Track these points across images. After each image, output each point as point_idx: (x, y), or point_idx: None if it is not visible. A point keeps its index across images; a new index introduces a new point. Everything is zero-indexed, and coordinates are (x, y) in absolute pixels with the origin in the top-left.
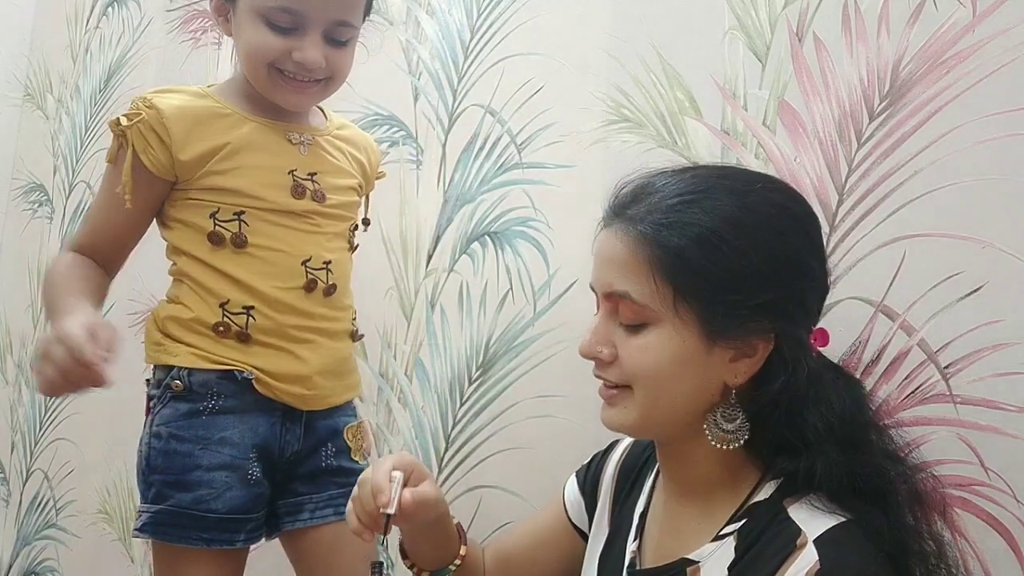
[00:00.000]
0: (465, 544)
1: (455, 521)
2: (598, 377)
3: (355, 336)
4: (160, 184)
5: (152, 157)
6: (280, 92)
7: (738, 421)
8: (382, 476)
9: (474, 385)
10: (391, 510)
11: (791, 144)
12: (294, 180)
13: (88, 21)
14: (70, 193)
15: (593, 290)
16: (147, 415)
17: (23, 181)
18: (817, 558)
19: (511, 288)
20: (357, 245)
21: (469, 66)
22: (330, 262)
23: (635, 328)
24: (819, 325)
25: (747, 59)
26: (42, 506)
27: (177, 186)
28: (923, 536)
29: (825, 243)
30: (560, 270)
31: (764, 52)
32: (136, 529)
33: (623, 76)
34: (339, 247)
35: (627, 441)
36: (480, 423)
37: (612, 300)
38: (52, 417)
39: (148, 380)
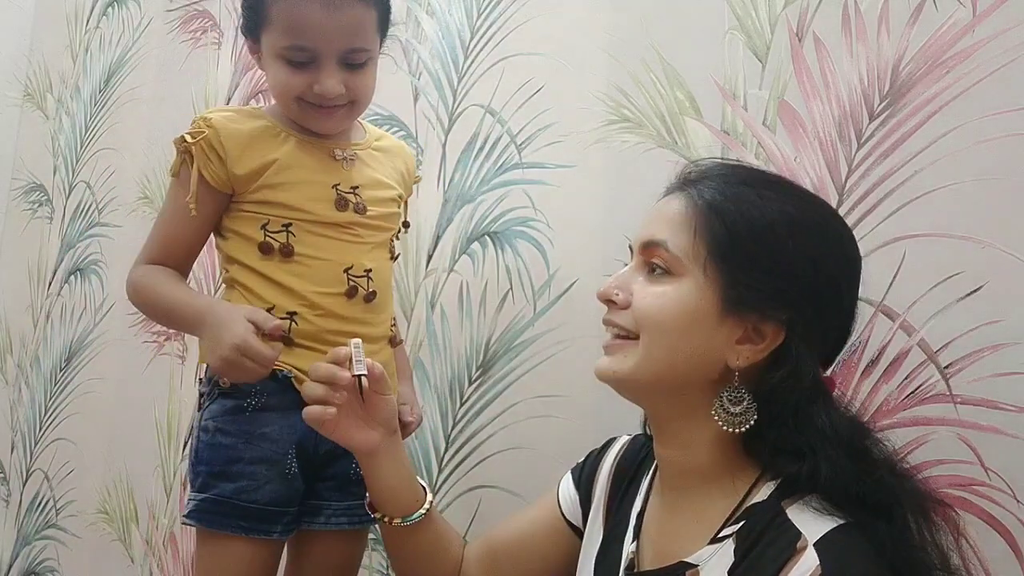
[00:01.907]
0: (431, 495)
1: (421, 483)
2: (607, 323)
3: (393, 341)
4: (219, 196)
5: (212, 171)
6: (311, 120)
7: (745, 403)
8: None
9: (474, 385)
10: (361, 371)
11: (791, 144)
12: (337, 194)
13: (88, 21)
14: (70, 193)
15: (631, 249)
16: (198, 410)
17: (23, 181)
18: (818, 562)
19: (511, 288)
20: (398, 255)
21: (469, 66)
22: (371, 270)
23: (658, 277)
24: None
25: (747, 59)
26: (42, 506)
27: (233, 199)
28: (927, 549)
29: None
30: (560, 270)
31: (764, 52)
32: (184, 515)
33: (623, 76)
34: (380, 257)
35: (623, 440)
36: (480, 423)
37: (647, 250)
38: (52, 417)
39: (200, 379)
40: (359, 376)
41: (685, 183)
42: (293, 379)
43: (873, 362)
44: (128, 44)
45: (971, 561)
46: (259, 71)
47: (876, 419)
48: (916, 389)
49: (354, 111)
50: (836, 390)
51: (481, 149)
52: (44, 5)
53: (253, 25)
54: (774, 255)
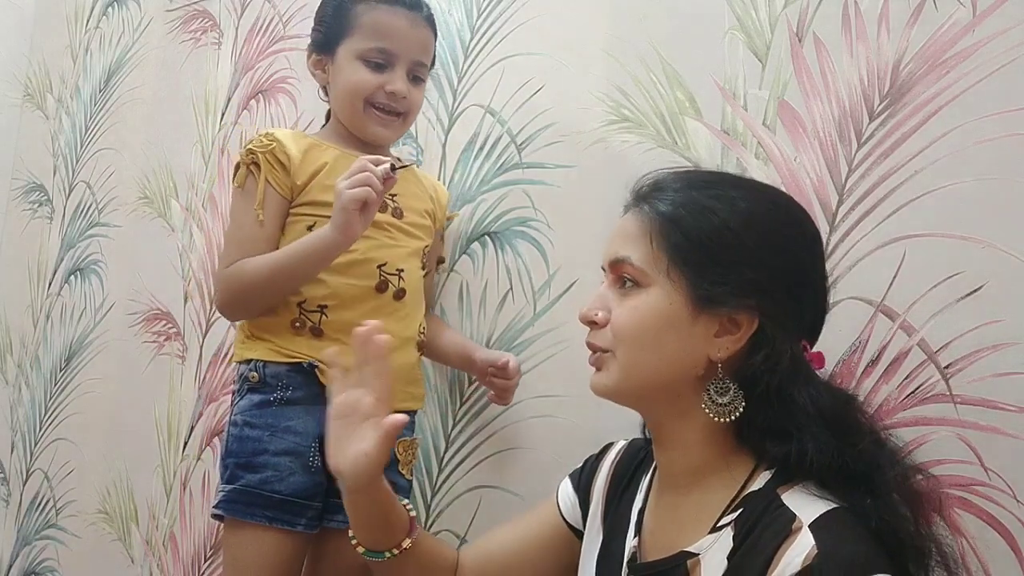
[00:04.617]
0: (411, 538)
1: (410, 512)
2: (587, 345)
3: (422, 348)
4: (283, 202)
5: (277, 178)
6: (369, 124)
7: (731, 393)
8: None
9: (474, 385)
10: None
11: (791, 144)
12: None
13: (88, 21)
14: (70, 193)
15: (604, 270)
16: (231, 407)
17: (23, 181)
18: (813, 542)
19: (511, 288)
20: (428, 272)
21: (469, 66)
22: (403, 270)
23: (629, 291)
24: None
25: (747, 59)
26: (42, 506)
27: (290, 205)
28: (914, 522)
29: (825, 243)
30: (560, 270)
31: (764, 52)
32: (213, 507)
33: (623, 76)
34: (413, 264)
35: (620, 443)
36: (480, 423)
37: (616, 268)
38: (52, 417)
39: (235, 378)
40: (391, 164)
41: (638, 199)
42: (318, 372)
43: (873, 362)
44: (128, 44)
45: (971, 561)
46: (258, 71)
47: (876, 419)
48: (916, 389)
49: (404, 124)
50: (822, 367)
51: (481, 149)
52: (44, 5)
53: (334, 35)
54: (731, 249)
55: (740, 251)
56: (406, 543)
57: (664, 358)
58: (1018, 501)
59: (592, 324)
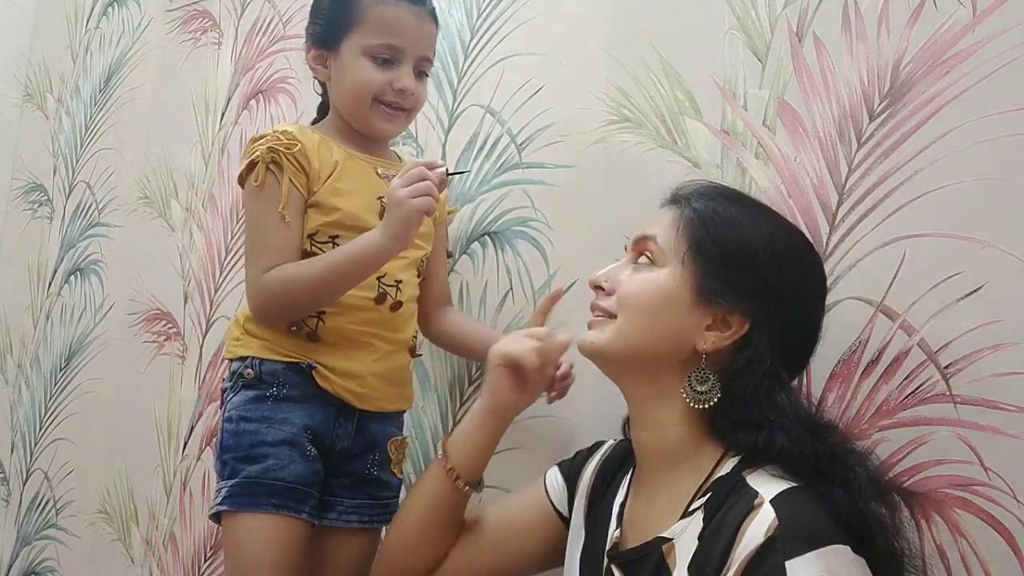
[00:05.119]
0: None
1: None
2: (592, 308)
3: (413, 352)
4: (303, 202)
5: (300, 180)
6: (376, 121)
7: (710, 383)
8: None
9: (474, 385)
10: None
11: (791, 144)
12: (381, 205)
13: (88, 21)
14: (70, 193)
15: (626, 249)
16: (221, 408)
17: (23, 181)
18: (775, 515)
19: (511, 288)
20: (424, 278)
21: (469, 66)
22: (401, 281)
23: (643, 267)
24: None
25: (747, 59)
26: (42, 506)
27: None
28: (895, 533)
29: (825, 243)
30: (560, 270)
31: (764, 52)
32: (215, 504)
33: (623, 76)
34: (410, 274)
35: (609, 443)
36: None
37: (638, 245)
38: (52, 417)
39: (224, 377)
40: (445, 169)
41: (678, 197)
42: (314, 373)
43: (873, 362)
44: (128, 44)
45: (971, 561)
46: (258, 71)
47: (876, 419)
48: (916, 389)
49: (409, 119)
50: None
51: (481, 149)
52: (44, 5)
53: (336, 29)
54: (745, 257)
55: (752, 261)
56: (483, 484)
57: (655, 333)
58: (1018, 501)
59: (598, 289)
